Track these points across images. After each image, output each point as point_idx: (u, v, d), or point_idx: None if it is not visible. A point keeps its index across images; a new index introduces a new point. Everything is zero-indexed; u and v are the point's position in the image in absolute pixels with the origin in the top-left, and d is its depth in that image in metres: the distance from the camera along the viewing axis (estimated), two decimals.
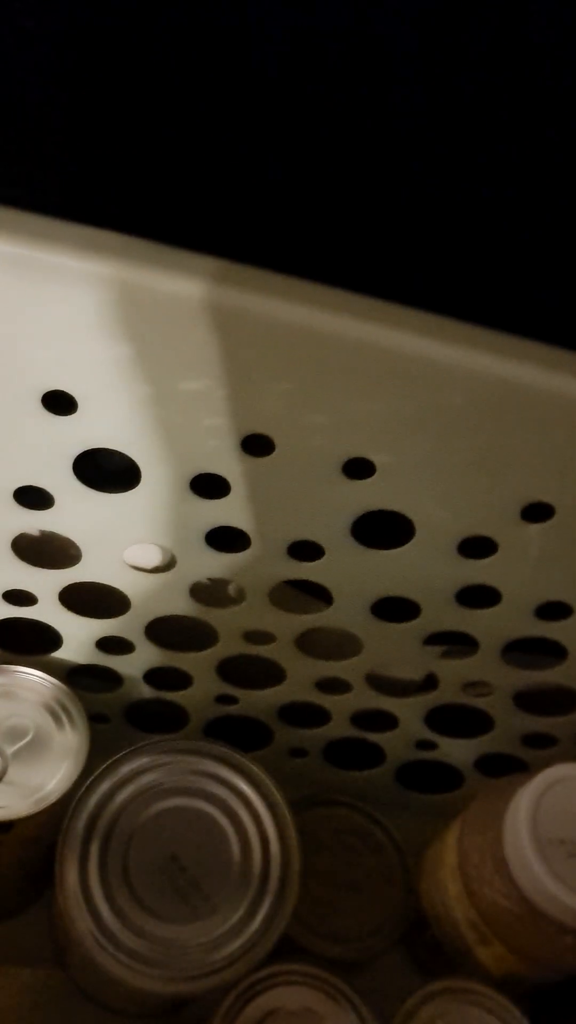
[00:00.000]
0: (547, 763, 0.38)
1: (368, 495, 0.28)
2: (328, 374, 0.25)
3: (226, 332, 0.24)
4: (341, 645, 0.35)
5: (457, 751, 0.39)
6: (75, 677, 0.37)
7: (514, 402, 0.25)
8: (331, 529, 0.29)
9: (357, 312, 0.24)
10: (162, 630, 0.35)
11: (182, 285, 0.23)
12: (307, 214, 0.32)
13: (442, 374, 0.24)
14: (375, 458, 0.27)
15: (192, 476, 0.28)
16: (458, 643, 0.34)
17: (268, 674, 0.37)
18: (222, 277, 0.23)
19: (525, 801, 0.32)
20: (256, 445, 0.27)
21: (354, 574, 0.31)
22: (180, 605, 0.33)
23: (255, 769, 0.34)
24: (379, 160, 0.31)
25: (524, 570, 0.30)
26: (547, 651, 0.33)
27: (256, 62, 0.30)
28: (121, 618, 0.34)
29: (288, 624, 0.33)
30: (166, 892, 0.31)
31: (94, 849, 0.32)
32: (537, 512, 0.28)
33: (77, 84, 0.31)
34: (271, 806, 0.33)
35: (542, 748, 0.38)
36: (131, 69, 0.30)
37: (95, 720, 0.35)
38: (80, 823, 0.32)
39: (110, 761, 0.33)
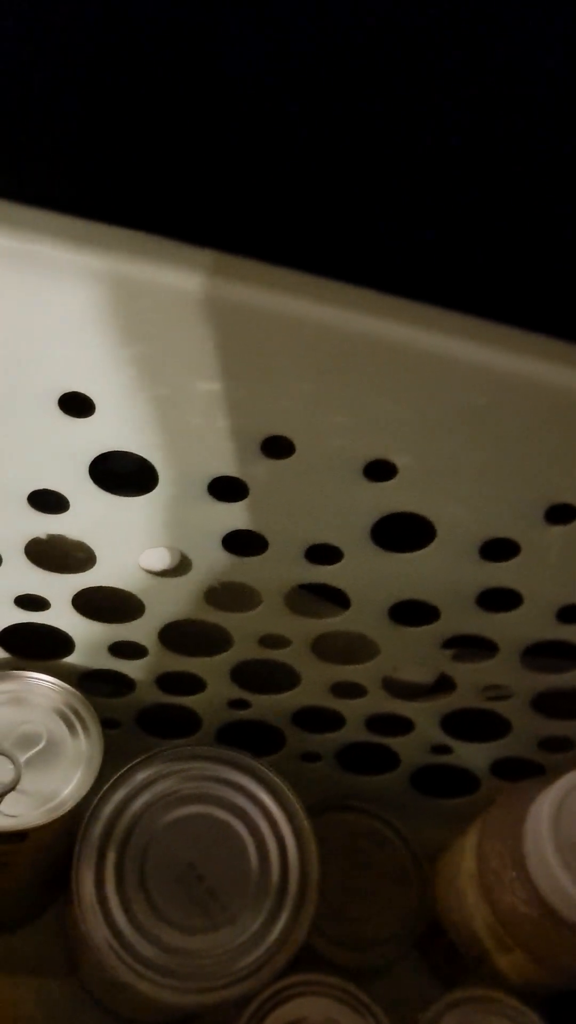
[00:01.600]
0: (564, 767, 0.38)
1: (389, 497, 0.27)
2: (350, 374, 0.24)
3: (244, 331, 0.23)
4: (354, 648, 0.35)
5: (473, 755, 0.39)
6: (86, 682, 0.37)
7: (539, 401, 0.24)
8: (350, 532, 0.29)
9: (380, 310, 0.23)
10: (175, 634, 0.34)
11: (196, 282, 0.22)
12: (314, 209, 0.31)
13: (466, 374, 0.24)
14: (397, 459, 0.26)
15: (210, 479, 0.27)
16: (476, 646, 0.33)
17: (282, 678, 0.36)
18: (239, 274, 0.22)
19: (546, 806, 0.32)
20: (276, 447, 0.26)
21: (372, 578, 0.30)
22: (195, 609, 0.33)
23: (272, 776, 0.33)
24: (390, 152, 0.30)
25: (546, 572, 0.29)
26: (566, 654, 0.33)
27: (257, 65, 0.29)
28: (134, 622, 0.34)
29: (304, 628, 0.33)
30: (183, 902, 0.31)
31: (110, 858, 0.31)
32: (560, 514, 0.28)
33: (81, 80, 0.30)
34: (289, 814, 0.32)
35: (560, 751, 0.37)
36: (132, 65, 0.30)
37: (106, 725, 0.35)
38: (95, 832, 0.31)
39: (125, 768, 0.33)
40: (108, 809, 0.32)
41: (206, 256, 0.22)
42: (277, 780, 0.33)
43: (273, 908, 0.31)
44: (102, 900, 0.30)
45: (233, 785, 0.33)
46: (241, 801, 0.32)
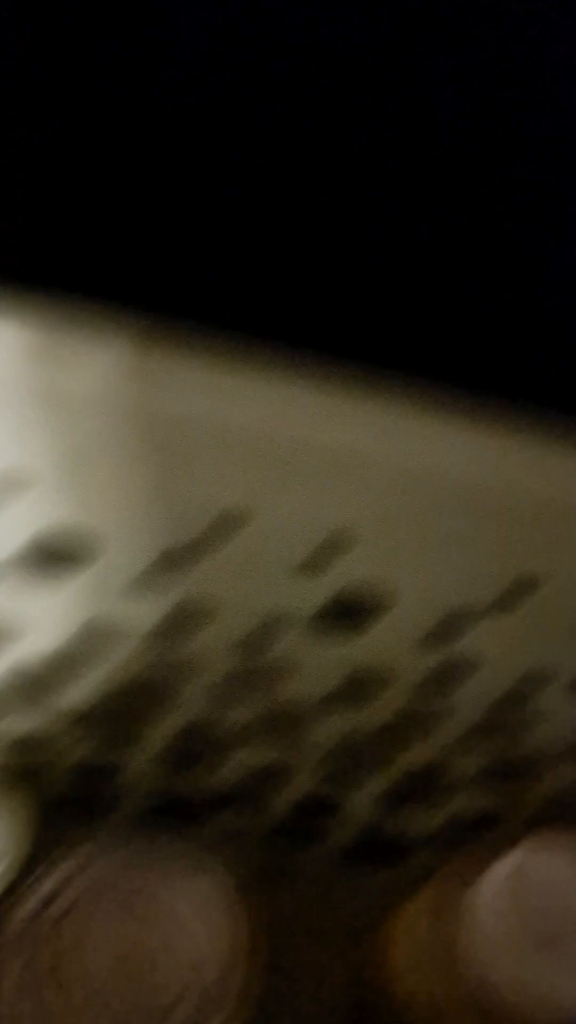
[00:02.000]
0: (505, 837, 0.37)
1: (342, 577, 0.25)
2: (293, 473, 0.23)
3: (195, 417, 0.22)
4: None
5: (409, 827, 0.37)
6: None
7: (498, 492, 0.24)
8: (302, 609, 0.27)
9: (318, 414, 0.22)
10: (90, 720, 0.31)
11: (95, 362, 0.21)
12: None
13: (419, 469, 0.23)
14: (351, 541, 0.25)
15: (161, 552, 0.25)
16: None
17: (207, 763, 0.34)
18: (146, 375, 0.21)
19: (489, 886, 0.31)
20: (229, 523, 0.24)
21: (322, 655, 0.28)
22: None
23: (209, 862, 0.31)
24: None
25: (504, 644, 0.28)
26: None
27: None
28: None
29: (245, 706, 0.31)
30: (111, 1002, 0.28)
31: (28, 956, 0.28)
32: (521, 588, 0.27)
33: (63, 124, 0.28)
34: (225, 904, 0.30)
35: (499, 823, 0.37)
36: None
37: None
38: (14, 929, 0.28)
39: (45, 862, 0.30)
40: (28, 905, 0.28)
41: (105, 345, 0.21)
42: (214, 866, 0.30)
43: (207, 1011, 0.28)
44: (19, 1000, 0.27)
45: (163, 873, 0.30)
46: (174, 890, 0.30)
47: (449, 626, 0.27)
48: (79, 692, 0.30)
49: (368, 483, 0.23)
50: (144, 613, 0.26)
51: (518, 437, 0.24)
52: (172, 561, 0.25)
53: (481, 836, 0.37)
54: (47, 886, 0.29)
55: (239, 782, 0.34)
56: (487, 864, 0.32)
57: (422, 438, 0.23)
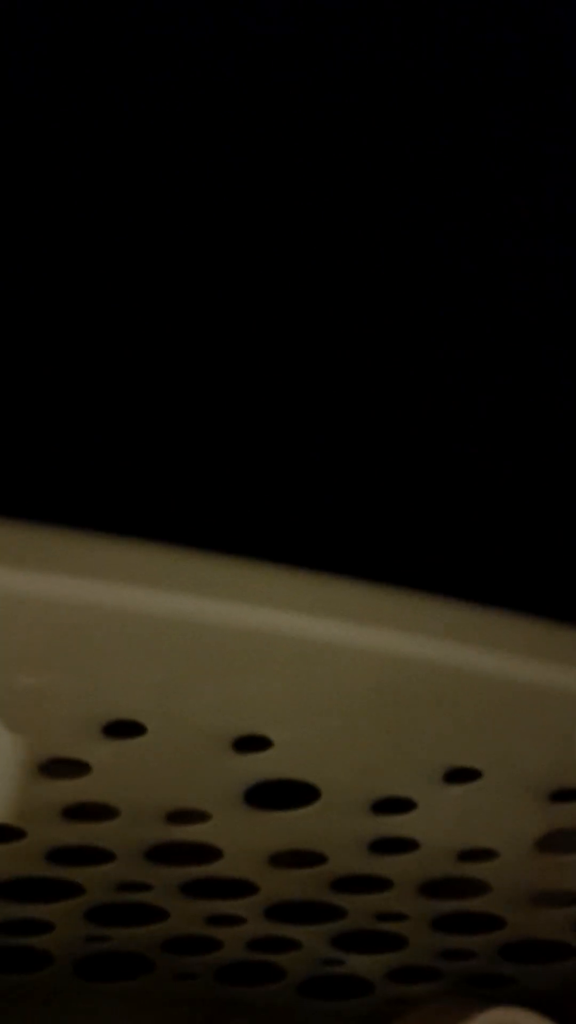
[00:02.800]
0: (462, 973, 0.35)
1: (263, 767, 0.23)
2: (208, 662, 0.20)
3: (74, 626, 0.19)
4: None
5: (366, 966, 0.35)
6: None
7: (430, 679, 0.21)
8: (219, 798, 0.24)
9: (237, 594, 0.19)
10: (13, 886, 0.29)
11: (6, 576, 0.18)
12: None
13: (347, 658, 0.20)
14: (271, 734, 0.22)
15: (43, 761, 0.22)
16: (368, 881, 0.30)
17: (147, 913, 0.31)
18: (60, 565, 0.18)
19: None
20: (123, 729, 0.22)
21: (248, 834, 0.26)
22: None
23: None
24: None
25: (445, 823, 0.26)
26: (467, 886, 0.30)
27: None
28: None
29: (168, 875, 0.28)
30: None
31: None
32: (460, 775, 0.24)
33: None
34: None
35: (459, 960, 0.34)
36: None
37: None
38: None
39: None
40: None
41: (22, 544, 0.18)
42: None
43: None
44: None
45: None
46: None
47: (384, 808, 0.25)
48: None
49: (285, 670, 0.21)
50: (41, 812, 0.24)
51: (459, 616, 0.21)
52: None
53: (439, 976, 0.35)
54: None
55: (186, 930, 0.32)
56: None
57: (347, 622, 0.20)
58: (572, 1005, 0.35)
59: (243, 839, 0.26)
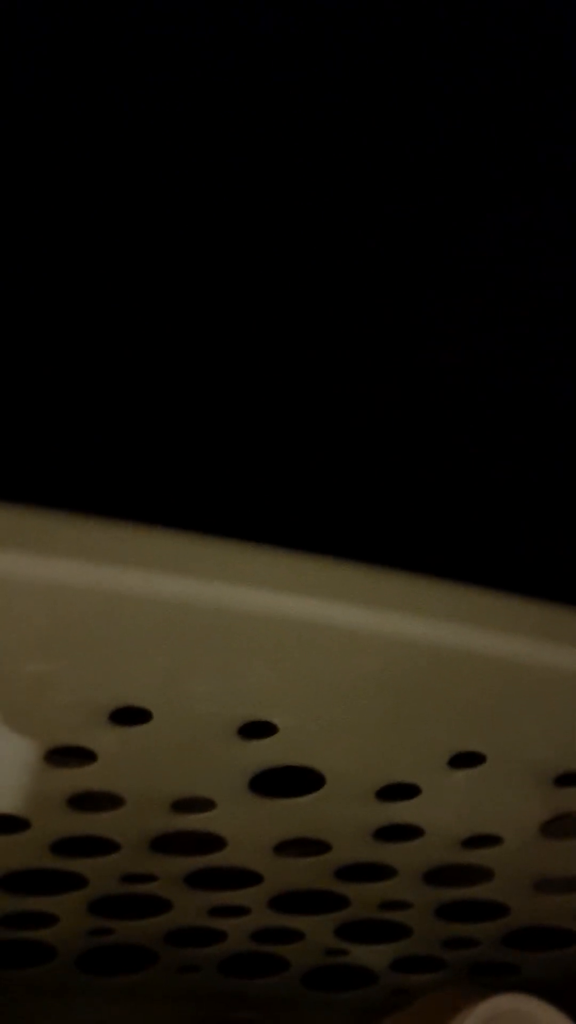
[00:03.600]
0: (466, 961, 0.35)
1: (269, 754, 0.23)
2: (213, 647, 0.20)
3: (79, 611, 0.19)
4: None
5: (370, 956, 0.35)
6: None
7: (435, 663, 0.21)
8: (225, 785, 0.24)
9: (241, 577, 0.19)
10: (18, 878, 0.29)
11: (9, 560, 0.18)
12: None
13: (352, 641, 0.20)
14: (276, 720, 0.22)
15: (49, 749, 0.22)
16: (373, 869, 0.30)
17: (151, 905, 0.31)
18: (65, 549, 0.18)
19: None
20: (129, 716, 0.22)
21: (252, 822, 0.26)
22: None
23: None
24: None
25: (449, 809, 0.26)
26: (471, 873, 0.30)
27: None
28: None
29: (173, 865, 0.28)
30: None
31: None
32: (465, 759, 0.24)
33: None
34: None
35: (464, 949, 0.34)
36: None
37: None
38: None
39: None
40: None
41: (24, 526, 0.18)
42: None
43: None
44: None
45: None
46: None
47: (389, 794, 0.25)
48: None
49: (290, 655, 0.21)
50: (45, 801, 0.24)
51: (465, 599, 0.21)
52: None
53: (443, 965, 0.35)
54: None
55: (190, 922, 0.32)
56: (440, 1020, 0.30)
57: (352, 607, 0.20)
58: None
59: (248, 827, 0.26)
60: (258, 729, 0.22)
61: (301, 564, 0.20)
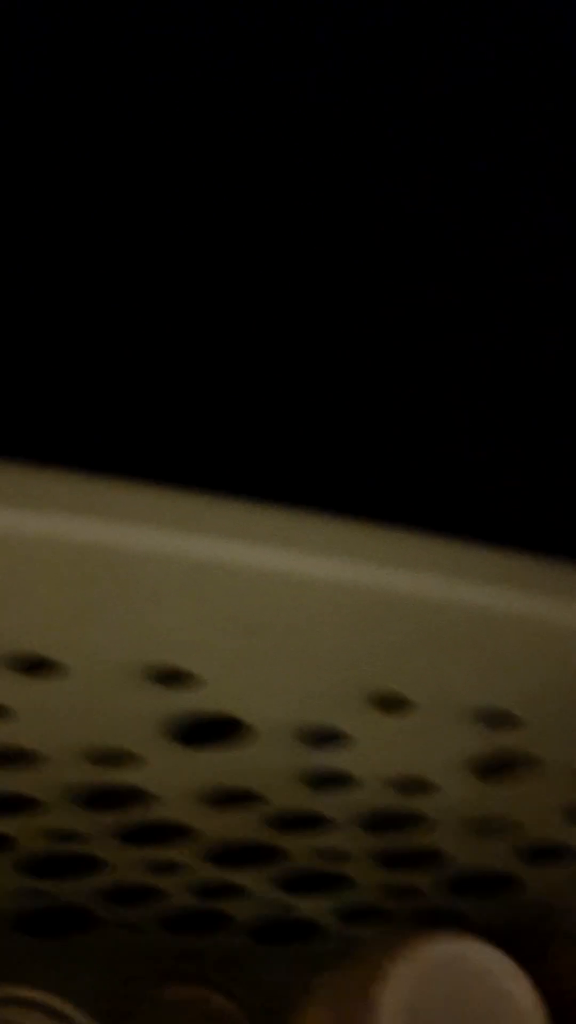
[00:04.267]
0: (413, 913, 0.35)
1: (183, 702, 0.22)
2: (120, 590, 0.19)
3: None
4: None
5: (315, 908, 0.35)
6: None
7: (348, 602, 0.20)
8: (144, 736, 0.23)
9: (139, 515, 0.18)
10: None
11: None
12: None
13: (261, 582, 0.19)
14: (189, 666, 0.22)
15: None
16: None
17: (85, 864, 0.31)
18: None
19: (387, 1002, 0.28)
20: (40, 667, 0.21)
21: (177, 775, 0.25)
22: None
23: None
24: None
25: (378, 754, 0.25)
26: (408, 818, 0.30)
27: None
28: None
29: (102, 822, 0.28)
30: None
31: None
32: (388, 702, 0.24)
33: None
34: None
35: (409, 898, 0.34)
36: None
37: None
38: None
39: None
40: None
41: None
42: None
43: None
44: None
45: None
46: None
47: (315, 740, 0.24)
48: None
49: (200, 597, 0.20)
50: None
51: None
52: None
53: (390, 916, 0.35)
54: None
55: (128, 880, 0.32)
56: (389, 963, 0.30)
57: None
58: (524, 940, 0.35)
59: (175, 780, 0.25)
60: (175, 677, 0.22)
61: (209, 505, 0.20)
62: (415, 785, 0.26)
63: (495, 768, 0.26)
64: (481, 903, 0.35)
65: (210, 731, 0.24)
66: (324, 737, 0.24)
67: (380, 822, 0.29)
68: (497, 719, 0.24)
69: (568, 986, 0.32)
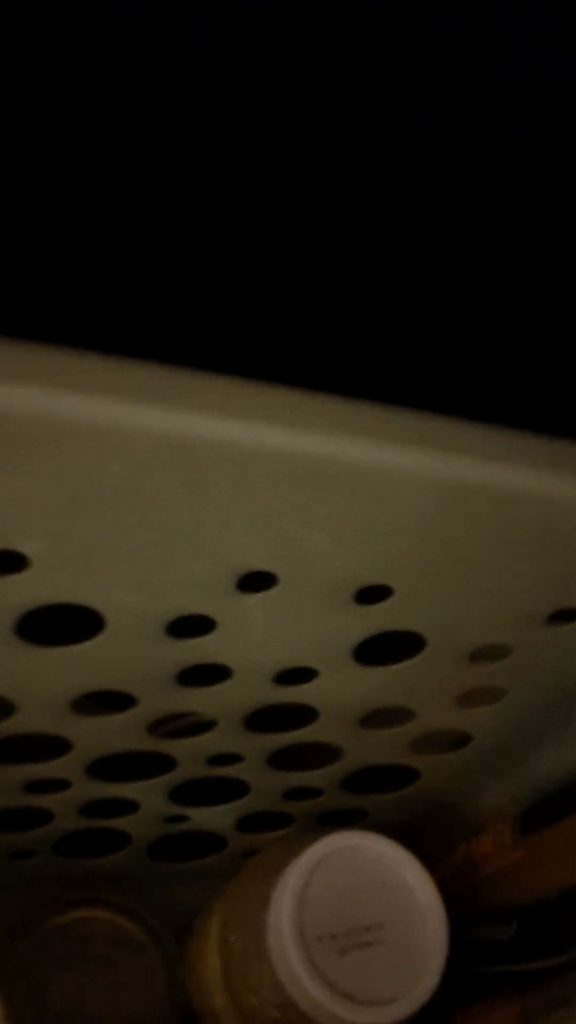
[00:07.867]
0: (313, 814, 0.34)
1: (19, 593, 0.21)
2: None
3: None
4: None
5: (212, 818, 0.34)
6: None
7: (203, 462, 0.19)
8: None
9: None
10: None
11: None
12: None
13: (107, 444, 0.17)
14: (22, 549, 0.20)
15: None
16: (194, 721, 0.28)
17: None
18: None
19: (286, 897, 0.27)
20: (256, 581, 0.20)
21: (35, 677, 0.23)
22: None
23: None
24: None
25: (251, 642, 0.24)
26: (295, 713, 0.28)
27: None
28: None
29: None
30: None
31: None
32: (256, 581, 0.22)
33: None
34: None
35: (306, 799, 0.34)
36: None
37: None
38: None
39: None
40: None
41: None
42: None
43: None
44: None
45: None
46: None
47: (183, 630, 0.23)
48: None
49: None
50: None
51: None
52: None
53: (290, 820, 0.34)
54: None
55: (5, 803, 0.30)
56: (286, 862, 0.29)
57: None
58: (425, 835, 0.35)
59: (31, 684, 0.23)
60: (9, 561, 0.20)
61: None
62: (296, 675, 0.25)
63: (375, 650, 0.25)
64: (381, 798, 0.34)
65: (62, 626, 0.22)
66: (192, 626, 0.23)
67: (267, 720, 0.28)
68: (371, 595, 0.23)
69: (465, 872, 0.32)
